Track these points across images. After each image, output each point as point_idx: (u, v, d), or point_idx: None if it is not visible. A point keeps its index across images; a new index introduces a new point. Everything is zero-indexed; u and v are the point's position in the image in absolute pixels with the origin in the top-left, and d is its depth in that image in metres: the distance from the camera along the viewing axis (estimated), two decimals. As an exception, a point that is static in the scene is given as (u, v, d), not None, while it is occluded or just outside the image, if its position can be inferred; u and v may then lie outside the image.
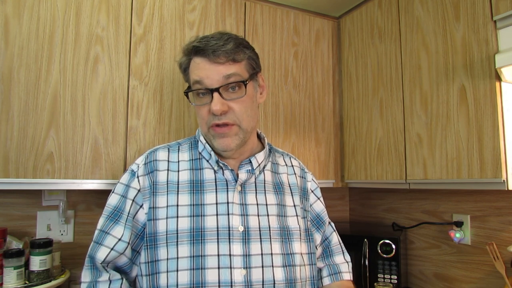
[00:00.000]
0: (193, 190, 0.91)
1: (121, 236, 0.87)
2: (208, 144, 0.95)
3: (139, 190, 0.90)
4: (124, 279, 0.88)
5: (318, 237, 1.05)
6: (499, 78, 1.09)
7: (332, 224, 1.11)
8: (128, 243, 0.88)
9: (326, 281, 1.04)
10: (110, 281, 0.86)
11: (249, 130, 0.93)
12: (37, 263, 1.18)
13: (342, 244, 1.10)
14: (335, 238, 1.09)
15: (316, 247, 1.04)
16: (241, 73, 0.89)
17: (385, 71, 1.47)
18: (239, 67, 0.89)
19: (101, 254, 0.86)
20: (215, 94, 0.86)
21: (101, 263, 0.86)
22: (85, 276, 0.87)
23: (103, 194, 0.97)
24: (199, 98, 0.91)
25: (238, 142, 0.91)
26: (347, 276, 1.06)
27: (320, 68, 1.68)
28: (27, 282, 1.17)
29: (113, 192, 0.93)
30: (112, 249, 0.87)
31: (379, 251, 1.61)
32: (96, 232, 0.90)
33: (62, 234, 1.43)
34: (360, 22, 1.62)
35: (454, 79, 1.20)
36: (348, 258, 1.09)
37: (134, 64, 1.29)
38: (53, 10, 1.19)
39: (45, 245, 1.21)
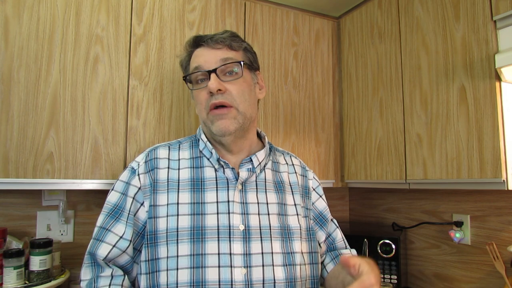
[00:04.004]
0: (194, 188, 0.91)
1: (123, 234, 0.87)
2: (209, 142, 0.96)
3: (139, 188, 0.90)
4: (126, 276, 0.88)
5: (322, 235, 1.05)
6: (499, 78, 1.09)
7: (335, 221, 1.11)
8: (130, 241, 0.88)
9: (330, 266, 1.03)
10: (112, 276, 0.86)
11: (247, 116, 0.94)
12: (37, 263, 1.18)
13: (345, 240, 1.11)
14: (339, 235, 1.10)
15: (320, 245, 1.04)
16: (237, 59, 0.95)
17: (385, 71, 1.47)
18: (236, 54, 0.95)
19: (103, 250, 0.86)
20: (212, 75, 0.91)
21: (103, 260, 0.86)
22: (85, 273, 0.86)
23: (103, 194, 0.97)
24: (197, 84, 0.96)
25: (237, 126, 0.92)
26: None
27: (320, 68, 1.68)
28: (27, 282, 1.17)
29: (112, 189, 0.92)
30: (114, 246, 0.86)
31: (379, 251, 1.61)
32: (96, 229, 0.89)
33: (62, 234, 1.43)
34: (360, 22, 1.62)
35: (454, 79, 1.20)
36: (350, 249, 1.10)
37: (134, 64, 1.29)
38: (53, 10, 1.19)
39: (45, 245, 1.20)
